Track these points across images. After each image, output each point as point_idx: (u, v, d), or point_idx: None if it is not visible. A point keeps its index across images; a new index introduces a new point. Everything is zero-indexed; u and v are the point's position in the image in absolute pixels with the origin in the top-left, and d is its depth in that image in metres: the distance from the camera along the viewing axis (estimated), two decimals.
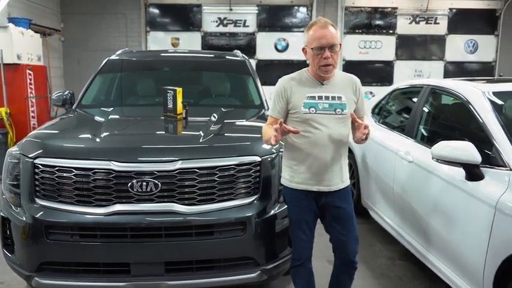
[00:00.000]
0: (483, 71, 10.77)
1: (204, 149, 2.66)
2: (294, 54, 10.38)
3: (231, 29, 10.33)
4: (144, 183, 2.44)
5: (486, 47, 10.71)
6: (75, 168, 2.48)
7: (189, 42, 10.19)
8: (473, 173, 2.55)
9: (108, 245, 2.46)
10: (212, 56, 4.74)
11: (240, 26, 10.32)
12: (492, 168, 2.53)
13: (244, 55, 4.65)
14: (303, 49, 2.42)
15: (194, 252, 2.53)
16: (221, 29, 10.33)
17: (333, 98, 2.37)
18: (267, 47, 10.33)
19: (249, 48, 10.22)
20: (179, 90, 3.17)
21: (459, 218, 2.65)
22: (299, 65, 10.46)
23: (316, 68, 2.35)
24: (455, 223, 2.69)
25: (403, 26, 10.58)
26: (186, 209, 2.48)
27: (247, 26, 10.34)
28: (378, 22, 10.56)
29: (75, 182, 2.49)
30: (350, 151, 4.75)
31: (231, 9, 10.19)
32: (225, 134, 3.00)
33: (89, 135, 2.80)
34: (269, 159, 2.69)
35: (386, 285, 3.29)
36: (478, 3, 10.64)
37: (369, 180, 4.26)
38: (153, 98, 4.05)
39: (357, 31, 10.52)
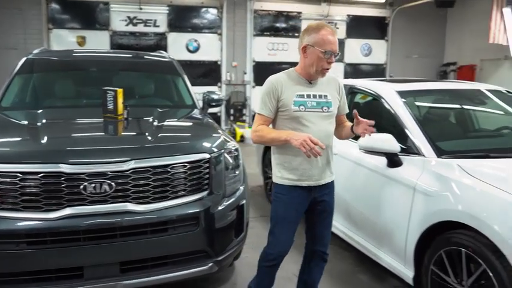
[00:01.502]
0: (376, 72, 11.92)
1: (156, 148, 2.72)
2: (206, 55, 10.53)
3: (141, 28, 10.12)
4: (97, 184, 2.43)
5: (378, 51, 11.88)
6: (21, 173, 2.38)
7: (96, 42, 9.76)
8: (393, 160, 2.96)
9: (60, 250, 2.41)
10: (140, 56, 4.70)
11: (150, 26, 10.16)
12: (408, 155, 2.96)
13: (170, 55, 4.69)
14: (304, 48, 2.43)
15: (149, 250, 2.58)
16: (131, 28, 10.07)
17: (320, 96, 2.50)
18: (178, 47, 10.31)
19: (160, 49, 10.06)
20: (120, 91, 3.15)
21: (384, 201, 3.05)
22: (210, 65, 10.64)
23: (317, 69, 2.42)
24: (381, 206, 3.09)
25: None
26: (140, 208, 2.52)
27: (158, 26, 10.22)
28: (285, 25, 11.13)
29: (21, 188, 2.38)
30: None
31: (140, 8, 9.98)
32: (172, 134, 3.08)
33: (27, 138, 2.68)
34: (217, 155, 2.84)
35: None
36: (371, 11, 11.74)
37: None
38: (80, 99, 3.93)
39: (265, 33, 10.98)
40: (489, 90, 3.96)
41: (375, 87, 3.64)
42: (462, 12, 11.21)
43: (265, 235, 4.30)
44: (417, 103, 3.50)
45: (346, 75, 11.49)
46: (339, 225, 3.75)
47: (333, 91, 2.57)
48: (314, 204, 2.57)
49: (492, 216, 2.28)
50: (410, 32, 11.70)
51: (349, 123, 2.66)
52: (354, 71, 11.66)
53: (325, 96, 2.51)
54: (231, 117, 10.79)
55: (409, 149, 2.99)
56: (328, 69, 2.44)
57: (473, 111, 3.95)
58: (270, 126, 2.55)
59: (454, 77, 11.63)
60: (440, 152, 2.85)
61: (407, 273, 2.86)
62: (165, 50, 10.34)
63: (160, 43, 10.19)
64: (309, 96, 2.47)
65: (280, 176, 2.53)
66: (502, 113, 3.94)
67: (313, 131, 2.42)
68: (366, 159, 3.23)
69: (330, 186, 2.60)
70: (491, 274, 2.26)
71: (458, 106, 3.93)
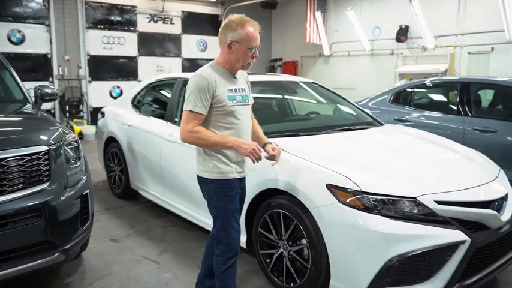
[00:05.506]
0: None
1: None
2: (32, 47, 9.69)
3: None
4: None
5: (214, 47, 12.50)
6: None
7: None
8: None
9: None
10: None
11: None
12: None
13: None
14: (229, 44, 2.42)
15: None
16: None
17: (242, 90, 2.58)
18: None
19: None
20: None
21: None
22: (39, 58, 9.86)
23: (243, 64, 2.48)
24: None
25: (143, 24, 11.26)
26: None
27: None
28: (120, 19, 10.90)
29: None
30: (115, 140, 5.14)
31: None
32: (5, 128, 2.97)
33: None
34: (55, 148, 2.87)
35: (165, 248, 3.89)
36: (204, 8, 12.32)
37: (137, 165, 4.75)
38: None
39: (100, 26, 10.60)
40: (303, 82, 4.75)
41: None
42: (283, 14, 12.58)
43: (111, 227, 4.46)
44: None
45: (184, 70, 11.85)
46: (181, 207, 4.09)
47: (245, 84, 2.68)
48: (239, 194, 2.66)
49: (300, 181, 2.86)
50: None
51: (260, 133, 2.79)
52: (191, 65, 12.10)
53: (244, 90, 2.60)
54: (67, 114, 10.19)
55: None
56: (251, 63, 2.51)
57: (290, 99, 4.69)
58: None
59: (280, 71, 12.99)
60: None
61: (241, 238, 3.33)
62: None
63: None
64: (236, 90, 2.53)
65: (217, 171, 2.49)
66: (311, 101, 4.78)
67: (244, 124, 2.54)
68: None
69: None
70: (301, 227, 2.85)
71: (279, 96, 4.62)
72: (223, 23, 2.49)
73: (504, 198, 2.95)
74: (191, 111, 2.39)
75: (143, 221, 4.58)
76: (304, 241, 2.85)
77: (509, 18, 7.74)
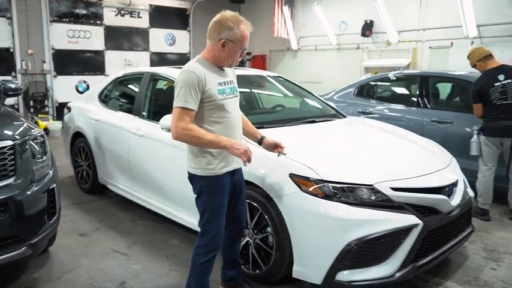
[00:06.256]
0: (181, 61, 12.47)
1: None
2: None
3: None
4: None
5: (182, 41, 12.48)
6: None
7: None
8: None
9: None
10: None
11: None
12: None
13: None
14: (223, 42, 2.41)
15: None
16: None
17: (231, 82, 2.59)
18: None
19: None
20: None
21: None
22: (1, 52, 9.58)
23: (232, 62, 2.52)
24: (185, 176, 3.55)
25: (110, 18, 11.10)
26: None
27: None
28: (85, 12, 10.70)
29: None
30: (82, 135, 5.12)
31: None
32: None
33: None
34: (21, 142, 2.88)
35: (134, 241, 3.93)
36: (172, 2, 12.22)
37: (105, 159, 4.76)
38: None
39: (65, 20, 10.37)
40: (269, 76, 4.85)
41: (172, 74, 4.09)
42: (252, 9, 12.63)
43: (79, 221, 4.47)
44: None
45: (152, 64, 11.77)
46: (149, 200, 4.14)
47: (232, 75, 2.69)
48: (235, 186, 2.68)
49: (265, 172, 2.96)
50: None
51: (252, 128, 2.88)
52: (159, 59, 12.02)
53: (232, 82, 2.62)
54: (32, 110, 9.97)
55: None
56: (238, 61, 2.56)
57: (257, 93, 4.79)
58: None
59: (249, 65, 13.07)
60: None
61: None
62: None
63: None
64: (225, 83, 2.53)
65: (208, 168, 2.50)
66: (277, 94, 4.90)
67: (234, 116, 2.56)
68: (167, 137, 3.61)
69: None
70: (266, 216, 2.97)
71: (246, 89, 4.70)
72: (216, 19, 2.46)
73: (454, 184, 3.16)
74: (182, 108, 2.34)
75: (112, 215, 4.60)
76: (269, 229, 2.97)
77: (466, 14, 8.08)
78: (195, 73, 2.37)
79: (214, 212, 2.55)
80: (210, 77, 2.43)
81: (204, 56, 2.52)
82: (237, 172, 2.68)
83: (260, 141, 2.85)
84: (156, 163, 3.94)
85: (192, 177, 2.58)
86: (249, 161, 2.45)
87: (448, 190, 3.05)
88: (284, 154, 2.80)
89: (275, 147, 2.80)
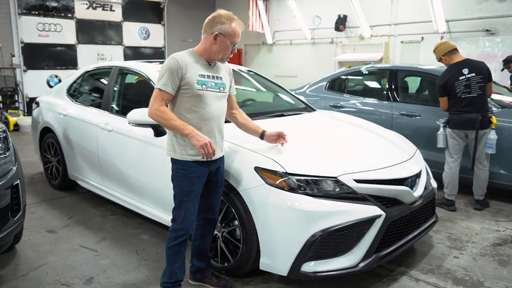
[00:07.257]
0: (156, 55, 12.38)
1: None
2: None
3: None
4: None
5: (156, 35, 12.34)
6: None
7: None
8: (159, 131, 3.44)
9: None
10: None
11: None
12: None
13: None
14: (216, 35, 2.57)
15: None
16: None
17: (218, 78, 2.70)
18: None
19: None
20: None
21: (156, 167, 3.53)
22: None
23: (222, 57, 2.63)
24: (154, 171, 3.56)
25: (82, 11, 10.89)
26: None
27: None
28: (56, 5, 10.46)
29: None
30: (51, 131, 5.03)
31: None
32: None
33: None
34: None
35: (103, 236, 3.90)
36: None
37: (74, 155, 4.69)
38: None
39: (34, 13, 10.12)
40: (240, 70, 4.86)
41: (142, 68, 4.06)
42: (226, 3, 12.54)
43: (48, 218, 4.42)
44: None
45: (126, 58, 11.62)
46: (119, 195, 4.11)
47: (226, 74, 2.81)
48: (211, 176, 2.76)
49: (231, 165, 2.97)
50: (185, 18, 12.46)
51: (252, 124, 3.06)
52: (133, 53, 11.87)
53: (221, 78, 2.73)
54: (1, 105, 9.72)
55: None
56: (229, 57, 2.68)
57: None
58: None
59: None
60: None
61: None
62: None
63: None
64: (209, 77, 2.66)
65: (182, 152, 2.62)
66: (248, 88, 4.91)
67: (212, 109, 2.65)
68: (136, 132, 3.65)
69: (222, 160, 2.85)
70: (232, 209, 2.99)
71: None
72: (211, 16, 2.63)
73: (417, 176, 3.25)
74: (160, 90, 2.54)
75: (82, 211, 4.55)
76: (236, 222, 2.99)
77: (436, 10, 8.25)
78: (177, 60, 2.55)
79: (184, 197, 2.65)
80: (191, 67, 2.58)
81: (196, 49, 2.68)
82: (215, 163, 2.75)
83: (262, 136, 3.01)
84: (125, 158, 3.91)
85: (170, 161, 2.72)
86: (208, 155, 2.52)
87: (411, 181, 3.13)
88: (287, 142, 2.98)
89: (278, 138, 2.99)
